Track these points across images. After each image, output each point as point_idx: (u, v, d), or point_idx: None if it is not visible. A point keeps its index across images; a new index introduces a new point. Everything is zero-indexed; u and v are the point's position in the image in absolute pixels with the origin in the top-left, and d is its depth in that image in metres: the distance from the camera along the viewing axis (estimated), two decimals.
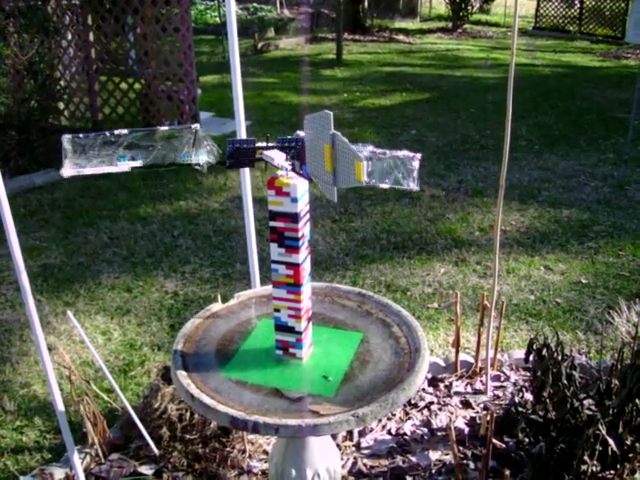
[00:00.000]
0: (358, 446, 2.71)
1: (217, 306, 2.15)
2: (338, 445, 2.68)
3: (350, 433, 2.76)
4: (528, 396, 2.79)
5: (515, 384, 3.06)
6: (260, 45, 13.63)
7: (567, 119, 8.12)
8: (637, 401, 2.23)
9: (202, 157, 1.70)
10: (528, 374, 3.06)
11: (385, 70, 11.53)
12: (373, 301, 2.15)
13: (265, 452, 2.69)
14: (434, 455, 2.63)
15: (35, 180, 5.86)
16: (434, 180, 5.94)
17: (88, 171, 1.69)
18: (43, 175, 5.93)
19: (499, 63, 12.07)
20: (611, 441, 2.17)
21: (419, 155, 1.64)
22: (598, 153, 6.75)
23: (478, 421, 2.80)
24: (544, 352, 2.44)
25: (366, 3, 16.36)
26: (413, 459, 2.62)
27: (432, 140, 7.25)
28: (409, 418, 2.86)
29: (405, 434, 2.76)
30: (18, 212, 5.22)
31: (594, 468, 2.16)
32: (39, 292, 4.06)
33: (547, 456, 2.23)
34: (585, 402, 2.29)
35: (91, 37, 7.15)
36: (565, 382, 2.34)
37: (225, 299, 2.20)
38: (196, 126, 1.69)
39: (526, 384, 3.01)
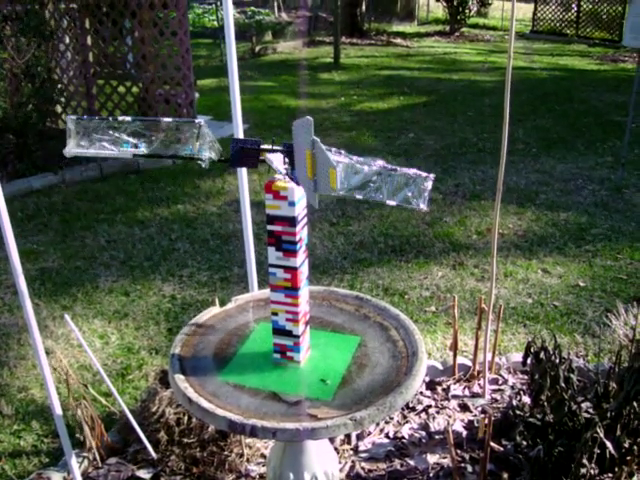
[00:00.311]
0: (356, 450, 2.71)
1: (215, 310, 2.15)
2: (336, 449, 2.68)
3: (348, 437, 2.76)
4: (526, 399, 2.79)
5: (513, 387, 3.06)
6: (258, 49, 13.64)
7: (565, 122, 8.13)
8: (635, 404, 2.23)
9: (205, 152, 1.70)
10: (526, 377, 3.07)
11: (383, 74, 11.54)
12: (371, 305, 2.15)
13: (263, 456, 2.69)
14: (432, 458, 2.63)
15: (33, 184, 5.86)
16: (432, 183, 5.93)
17: (91, 152, 1.71)
18: (41, 179, 5.93)
19: (496, 66, 12.09)
20: (609, 444, 2.17)
21: (432, 175, 1.63)
22: (595, 156, 6.76)
23: (476, 424, 2.81)
24: (542, 355, 2.44)
25: (364, 7, 16.38)
26: (411, 462, 2.61)
27: (430, 143, 7.25)
28: (407, 421, 2.86)
29: (403, 437, 2.76)
30: (16, 216, 5.21)
31: (592, 471, 2.16)
32: (37, 296, 4.06)
33: (545, 459, 2.23)
34: (583, 405, 2.29)
35: (89, 41, 7.14)
36: (563, 385, 2.34)
37: (223, 303, 2.19)
38: (200, 121, 1.69)
39: (524, 387, 3.01)
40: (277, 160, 1.69)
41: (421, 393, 3.04)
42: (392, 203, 1.66)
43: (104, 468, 2.62)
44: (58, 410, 2.27)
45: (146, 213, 5.40)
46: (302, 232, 1.76)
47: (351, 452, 2.70)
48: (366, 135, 7.63)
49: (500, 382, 3.11)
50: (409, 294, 4.08)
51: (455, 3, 16.38)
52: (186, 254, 4.65)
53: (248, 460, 2.65)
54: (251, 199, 2.65)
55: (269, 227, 1.73)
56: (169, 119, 1.72)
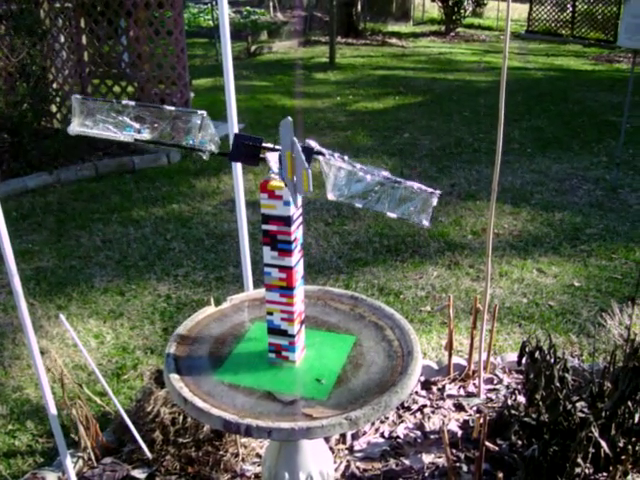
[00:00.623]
0: (351, 449, 2.71)
1: (210, 309, 2.15)
2: (331, 448, 2.68)
3: (343, 436, 2.76)
4: (521, 399, 2.80)
5: (508, 387, 3.07)
6: (253, 48, 13.63)
7: (560, 122, 8.14)
8: (629, 403, 2.23)
9: (206, 144, 1.70)
10: (521, 377, 3.07)
11: (378, 73, 11.54)
12: (366, 304, 2.15)
13: (258, 455, 2.69)
14: (427, 458, 2.63)
15: (28, 183, 5.85)
16: (427, 183, 5.91)
17: (94, 133, 1.72)
18: (36, 178, 5.92)
19: (492, 66, 12.10)
20: (604, 443, 2.17)
21: (438, 192, 1.62)
22: (591, 156, 6.77)
23: (471, 424, 2.81)
24: (537, 355, 2.44)
25: (359, 6, 16.37)
26: (406, 462, 2.62)
27: (425, 143, 7.25)
28: (402, 421, 2.86)
29: (398, 437, 2.76)
30: (10, 215, 5.20)
31: (587, 470, 2.16)
32: (32, 295, 4.05)
33: (540, 459, 2.23)
34: (578, 405, 2.29)
35: (84, 40, 7.14)
36: (558, 385, 2.34)
37: (218, 302, 2.19)
38: (203, 112, 1.69)
39: (519, 387, 3.02)
40: (273, 159, 1.69)
41: (416, 393, 3.04)
42: (393, 216, 1.65)
43: (99, 468, 2.62)
44: (53, 410, 2.26)
45: (141, 213, 5.39)
46: (297, 232, 1.76)
47: (346, 452, 2.70)
48: (361, 135, 7.63)
49: (495, 382, 3.11)
50: (404, 294, 4.08)
51: (450, 3, 16.38)
52: (181, 254, 4.64)
53: (243, 460, 2.65)
54: (246, 199, 2.65)
55: (264, 226, 1.73)
56: (172, 107, 1.72)
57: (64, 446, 2.36)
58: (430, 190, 1.63)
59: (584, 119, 8.29)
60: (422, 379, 3.12)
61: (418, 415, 2.90)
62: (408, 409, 2.93)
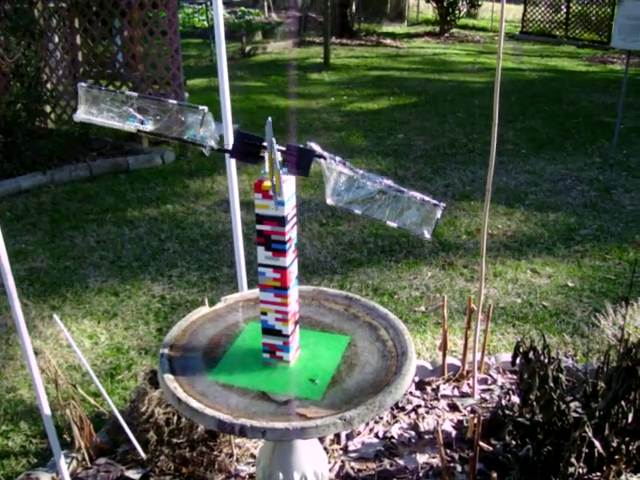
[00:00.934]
0: (346, 449, 2.71)
1: (204, 310, 2.15)
2: (325, 448, 2.68)
3: (337, 436, 2.76)
4: (515, 399, 2.80)
5: (502, 387, 3.07)
6: (248, 49, 13.63)
7: (554, 123, 8.16)
8: (623, 403, 2.24)
9: (207, 140, 1.70)
10: (515, 377, 3.07)
11: (373, 74, 11.55)
12: (360, 304, 2.16)
13: (252, 456, 2.69)
14: (421, 458, 2.64)
15: (21, 184, 5.84)
16: (421, 184, 5.95)
17: (98, 121, 1.73)
18: (30, 178, 5.91)
19: (486, 67, 12.12)
20: (597, 443, 2.18)
21: (443, 204, 1.61)
22: (584, 157, 6.79)
23: (465, 424, 2.81)
24: (531, 355, 2.44)
25: (354, 7, 16.38)
26: (401, 462, 2.62)
27: (419, 144, 7.26)
28: (396, 421, 2.86)
29: (392, 437, 2.76)
30: (4, 216, 5.19)
31: (581, 470, 2.17)
32: (25, 296, 4.04)
33: (534, 458, 2.24)
34: (572, 405, 2.30)
35: (78, 40, 7.13)
36: (552, 385, 2.34)
37: (212, 303, 2.19)
38: (204, 108, 1.69)
39: (513, 387, 3.02)
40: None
41: (410, 393, 3.04)
42: (393, 225, 1.64)
43: (93, 468, 2.62)
44: (47, 410, 2.26)
45: (135, 213, 5.38)
46: (291, 232, 1.76)
47: (341, 452, 2.70)
48: (356, 135, 7.64)
49: (489, 382, 3.12)
50: (399, 294, 4.09)
51: (445, 4, 16.41)
52: (175, 254, 4.64)
53: (238, 460, 2.65)
54: (240, 199, 2.65)
55: (258, 227, 1.73)
56: (174, 101, 1.72)
57: (58, 447, 2.35)
58: (434, 202, 1.61)
59: (578, 120, 8.30)
60: (416, 379, 3.13)
61: (412, 415, 2.90)
62: (402, 409, 2.94)
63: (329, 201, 1.69)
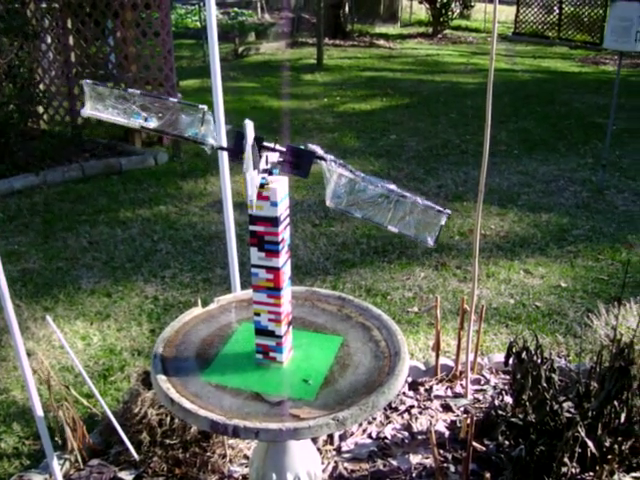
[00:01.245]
0: (339, 450, 2.71)
1: (197, 310, 2.15)
2: (319, 449, 2.68)
3: (331, 437, 2.76)
4: (508, 399, 2.80)
5: (495, 387, 3.07)
6: (241, 50, 13.62)
7: (546, 124, 8.17)
8: (615, 403, 2.24)
9: (208, 138, 1.71)
10: (508, 377, 3.08)
11: (365, 75, 11.56)
12: (353, 305, 2.16)
13: (246, 457, 2.69)
14: (415, 459, 2.64)
15: (14, 184, 5.82)
16: (414, 185, 5.95)
17: (104, 117, 1.75)
18: (22, 179, 5.89)
19: (479, 68, 12.14)
20: (590, 443, 2.18)
21: (448, 211, 1.58)
22: (577, 158, 6.80)
23: (458, 424, 2.81)
24: (524, 355, 2.45)
25: (347, 8, 16.39)
26: (394, 463, 2.62)
27: (412, 145, 7.27)
28: (389, 422, 2.86)
29: (386, 438, 2.76)
30: None
31: (574, 470, 2.17)
32: (18, 297, 4.03)
33: (527, 458, 2.24)
34: (564, 405, 2.30)
35: (71, 41, 7.10)
36: (544, 385, 2.35)
37: (205, 303, 2.19)
38: (204, 107, 1.69)
39: (506, 387, 3.03)
40: (271, 159, 1.69)
41: (404, 394, 3.04)
42: (394, 230, 1.62)
43: (86, 470, 2.61)
44: (39, 412, 2.25)
45: (128, 214, 5.38)
46: (284, 232, 1.76)
47: (334, 452, 2.70)
48: (349, 136, 7.64)
49: (482, 382, 3.12)
50: (391, 295, 4.09)
51: (438, 5, 16.44)
52: (168, 255, 4.63)
53: (231, 461, 2.65)
54: (234, 200, 2.65)
55: (251, 227, 1.73)
56: (175, 99, 1.73)
57: (51, 448, 2.35)
58: (438, 208, 1.59)
59: (571, 121, 8.33)
60: (409, 380, 3.13)
61: (405, 416, 2.90)
62: (395, 410, 2.94)
63: (329, 204, 1.68)
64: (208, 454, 2.61)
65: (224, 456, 2.64)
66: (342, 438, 2.76)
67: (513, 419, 2.41)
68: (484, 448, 2.60)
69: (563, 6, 15.56)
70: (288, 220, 1.78)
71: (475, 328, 2.99)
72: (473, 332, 2.95)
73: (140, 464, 2.61)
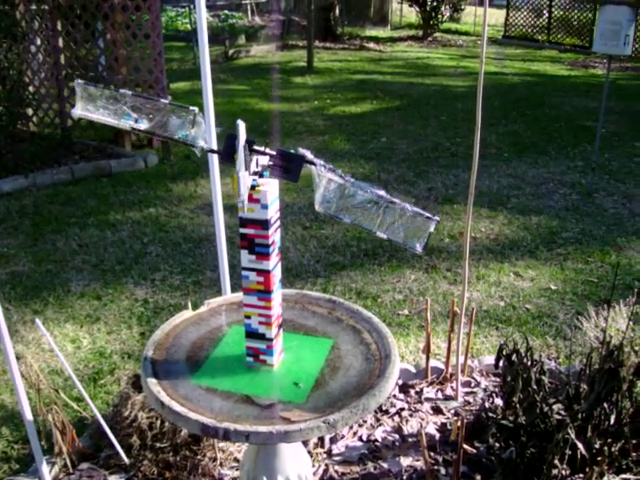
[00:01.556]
0: (329, 453, 2.71)
1: (187, 313, 2.14)
2: (309, 452, 2.67)
3: (321, 440, 2.75)
4: (498, 401, 2.81)
5: (485, 390, 3.08)
6: (231, 52, 13.62)
7: (536, 127, 8.20)
8: (605, 405, 2.25)
9: (199, 140, 1.70)
10: (498, 380, 3.08)
11: (356, 78, 11.57)
12: (344, 308, 2.15)
13: (236, 460, 2.68)
14: (405, 461, 2.64)
15: (3, 187, 5.79)
16: (404, 187, 5.96)
17: (95, 117, 1.74)
18: (11, 182, 5.87)
19: (469, 71, 12.17)
20: (580, 445, 2.19)
21: (437, 218, 1.58)
22: (567, 161, 6.83)
23: (449, 427, 2.82)
24: (514, 358, 2.45)
25: (337, 11, 16.42)
26: (384, 465, 2.62)
27: (402, 147, 7.28)
28: (380, 424, 2.86)
29: (376, 440, 2.76)
30: None
31: (564, 472, 2.18)
32: (7, 300, 4.01)
33: (517, 461, 2.25)
34: (554, 407, 2.31)
35: (60, 43, 7.08)
36: (535, 387, 2.35)
37: (195, 306, 2.19)
38: (195, 109, 1.69)
39: (496, 390, 3.03)
40: (261, 162, 1.69)
41: (394, 396, 3.04)
42: (383, 236, 1.62)
43: (76, 474, 2.60)
44: (29, 415, 2.24)
45: (118, 216, 5.36)
46: (275, 235, 1.76)
47: (324, 455, 2.70)
48: (339, 139, 7.65)
49: (473, 385, 3.13)
50: (382, 297, 4.09)
51: (428, 8, 16.49)
52: (158, 258, 4.62)
53: (221, 464, 2.64)
54: (224, 202, 2.65)
55: (242, 230, 1.73)
56: (166, 100, 1.73)
57: (40, 452, 2.34)
58: (427, 215, 1.59)
59: (560, 124, 8.36)
60: (400, 382, 3.13)
61: (396, 418, 2.90)
62: (386, 412, 2.94)
63: (318, 208, 1.68)
64: (198, 457, 2.60)
65: (215, 459, 2.63)
66: (333, 441, 2.76)
67: (503, 421, 2.41)
68: (475, 450, 2.60)
69: (553, 10, 15.64)
70: (278, 223, 1.78)
71: (465, 330, 2.99)
72: (463, 335, 2.95)
73: (130, 468, 2.60)
